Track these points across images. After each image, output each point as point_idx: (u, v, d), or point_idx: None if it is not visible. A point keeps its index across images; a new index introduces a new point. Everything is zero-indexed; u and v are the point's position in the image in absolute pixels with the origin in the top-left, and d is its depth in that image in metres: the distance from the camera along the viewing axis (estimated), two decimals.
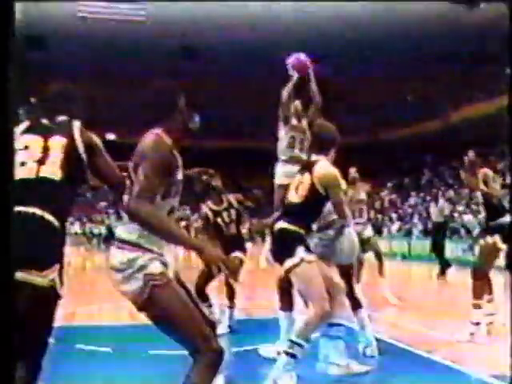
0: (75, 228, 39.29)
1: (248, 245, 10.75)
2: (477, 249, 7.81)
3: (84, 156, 3.64)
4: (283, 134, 7.14)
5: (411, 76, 25.31)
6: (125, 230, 3.63)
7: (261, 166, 29.01)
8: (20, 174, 3.45)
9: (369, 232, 10.37)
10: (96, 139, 3.64)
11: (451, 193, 29.04)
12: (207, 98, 26.71)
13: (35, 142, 3.62)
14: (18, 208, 3.27)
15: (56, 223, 3.44)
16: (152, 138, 3.58)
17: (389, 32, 21.23)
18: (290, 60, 7.10)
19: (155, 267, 3.52)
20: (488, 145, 26.33)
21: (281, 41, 21.37)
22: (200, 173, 4.52)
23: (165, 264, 3.59)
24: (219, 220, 8.59)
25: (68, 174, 3.58)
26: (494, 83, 23.96)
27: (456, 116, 31.46)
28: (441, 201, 18.79)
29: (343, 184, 5.49)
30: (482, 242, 7.65)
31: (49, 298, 3.39)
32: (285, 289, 6.17)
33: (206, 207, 8.68)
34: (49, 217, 3.43)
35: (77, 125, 3.65)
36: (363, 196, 10.42)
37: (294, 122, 7.13)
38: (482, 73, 23.46)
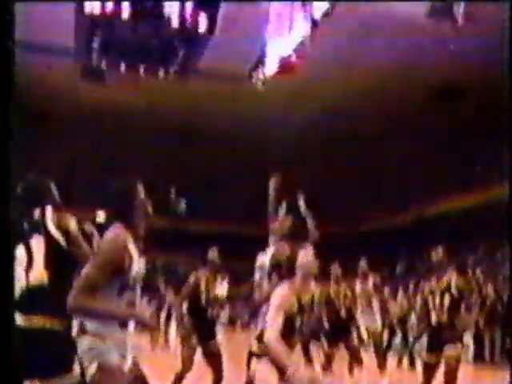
0: None
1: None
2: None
3: (64, 243, 3.69)
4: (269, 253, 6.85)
5: (386, 168, 25.41)
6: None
7: (247, 252, 28.68)
8: (16, 285, 3.47)
9: (377, 325, 10.09)
10: (72, 224, 3.74)
11: (423, 285, 28.71)
12: (198, 183, 26.75)
13: (20, 253, 3.63)
14: (21, 321, 3.41)
15: (60, 326, 3.51)
16: (108, 235, 3.52)
17: (364, 124, 21.39)
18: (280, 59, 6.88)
19: (109, 358, 3.46)
20: (460, 239, 26.27)
21: (272, 131, 21.59)
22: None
23: (122, 353, 3.52)
24: (203, 296, 8.14)
25: (54, 272, 3.65)
26: (467, 178, 24.07)
27: (429, 210, 31.57)
28: (399, 295, 18.51)
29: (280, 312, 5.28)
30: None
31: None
32: None
33: (202, 274, 8.24)
34: (54, 324, 3.51)
35: (50, 218, 3.72)
36: (371, 287, 10.18)
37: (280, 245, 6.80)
38: (456, 167, 23.57)
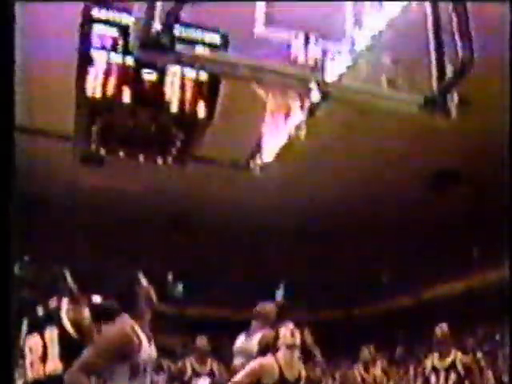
0: None
1: None
2: None
3: (76, 336, 3.83)
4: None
5: (384, 255, 25.35)
6: None
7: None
8: (30, 374, 3.66)
9: None
10: (85, 317, 3.88)
11: (425, 363, 28.26)
12: (194, 268, 26.60)
13: (35, 342, 3.80)
14: None
15: None
16: (115, 325, 3.62)
17: (364, 216, 21.44)
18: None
19: None
20: (458, 322, 25.94)
21: (270, 218, 21.59)
22: None
23: None
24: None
25: (66, 362, 3.71)
26: (465, 264, 23.99)
27: (428, 293, 31.37)
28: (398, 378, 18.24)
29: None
30: None
31: None
32: None
33: (188, 361, 8.20)
34: None
35: (64, 310, 3.86)
36: (379, 373, 9.99)
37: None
38: (454, 254, 23.54)
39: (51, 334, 3.76)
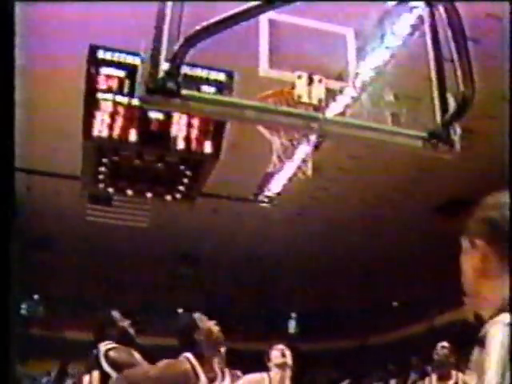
0: None
1: None
2: None
3: (114, 374, 3.89)
4: None
5: (397, 281, 25.25)
6: None
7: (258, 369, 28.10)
8: None
9: None
10: (123, 357, 4.04)
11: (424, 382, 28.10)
12: (204, 302, 26.53)
13: (86, 377, 4.02)
14: None
15: None
16: (175, 361, 3.79)
17: (374, 244, 21.42)
18: None
19: None
20: (471, 348, 25.74)
21: (276, 251, 21.56)
22: None
23: None
24: None
25: None
26: None
27: (440, 319, 31.20)
28: None
29: None
30: None
31: None
32: None
33: None
34: None
35: (103, 351, 3.98)
36: None
37: None
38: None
39: (95, 376, 3.92)
